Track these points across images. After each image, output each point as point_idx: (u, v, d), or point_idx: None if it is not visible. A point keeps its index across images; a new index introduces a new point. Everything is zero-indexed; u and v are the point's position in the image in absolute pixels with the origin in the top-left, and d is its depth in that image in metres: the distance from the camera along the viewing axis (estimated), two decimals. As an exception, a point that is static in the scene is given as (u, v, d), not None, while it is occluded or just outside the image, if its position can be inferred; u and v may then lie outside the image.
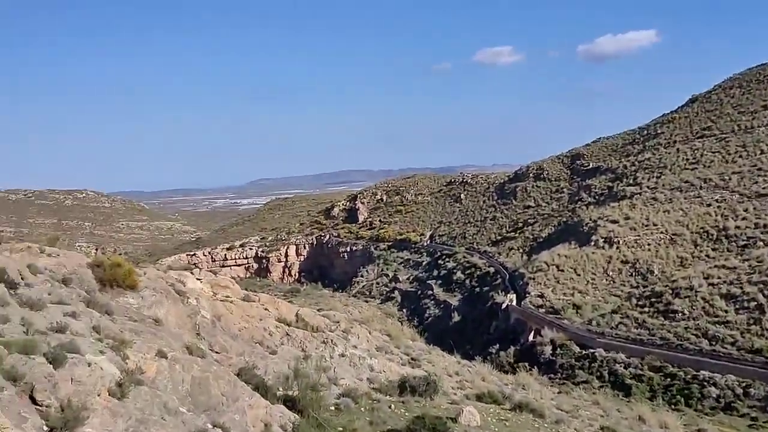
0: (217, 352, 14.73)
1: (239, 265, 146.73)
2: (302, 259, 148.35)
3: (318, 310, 25.21)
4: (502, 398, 20.40)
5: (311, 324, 19.65)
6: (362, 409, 15.32)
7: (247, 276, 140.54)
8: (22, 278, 11.95)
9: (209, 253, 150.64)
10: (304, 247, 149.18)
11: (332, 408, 14.66)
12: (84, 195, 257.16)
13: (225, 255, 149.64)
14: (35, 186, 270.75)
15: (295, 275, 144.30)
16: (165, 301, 14.80)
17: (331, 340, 18.76)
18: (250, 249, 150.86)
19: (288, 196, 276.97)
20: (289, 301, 28.82)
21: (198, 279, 18.65)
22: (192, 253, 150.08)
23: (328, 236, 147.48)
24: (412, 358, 24.00)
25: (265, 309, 19.00)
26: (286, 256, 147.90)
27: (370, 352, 19.97)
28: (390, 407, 15.92)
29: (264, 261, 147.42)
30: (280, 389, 14.00)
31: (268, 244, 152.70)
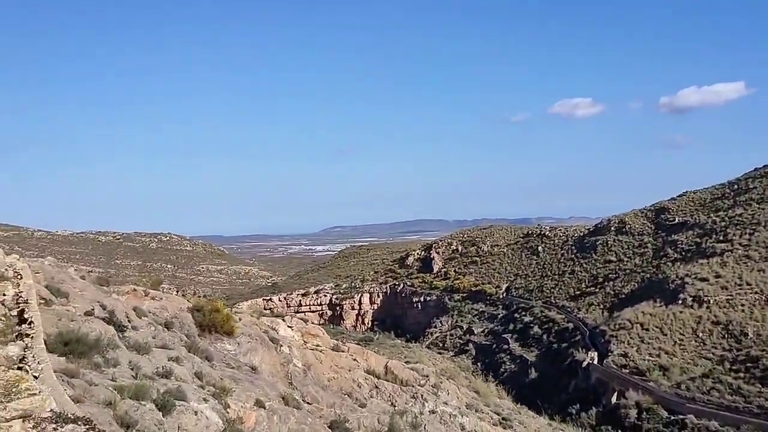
0: (308, 403, 14.53)
1: (313, 312, 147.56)
2: (375, 308, 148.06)
3: (405, 363, 24.68)
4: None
5: (400, 377, 19.18)
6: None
7: (321, 322, 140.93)
8: (128, 321, 12.19)
9: (284, 298, 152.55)
10: (378, 296, 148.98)
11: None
12: (168, 238, 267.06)
13: (300, 301, 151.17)
14: (124, 228, 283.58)
15: (368, 323, 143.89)
16: (259, 348, 14.80)
17: (421, 395, 18.24)
18: (325, 296, 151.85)
19: (362, 243, 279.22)
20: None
21: (289, 326, 18.64)
22: (268, 298, 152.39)
23: (402, 285, 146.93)
24: (503, 418, 22.95)
25: (354, 360, 18.72)
26: (360, 303, 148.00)
27: (461, 409, 19.28)
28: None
29: (338, 308, 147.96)
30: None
31: (342, 291, 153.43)
